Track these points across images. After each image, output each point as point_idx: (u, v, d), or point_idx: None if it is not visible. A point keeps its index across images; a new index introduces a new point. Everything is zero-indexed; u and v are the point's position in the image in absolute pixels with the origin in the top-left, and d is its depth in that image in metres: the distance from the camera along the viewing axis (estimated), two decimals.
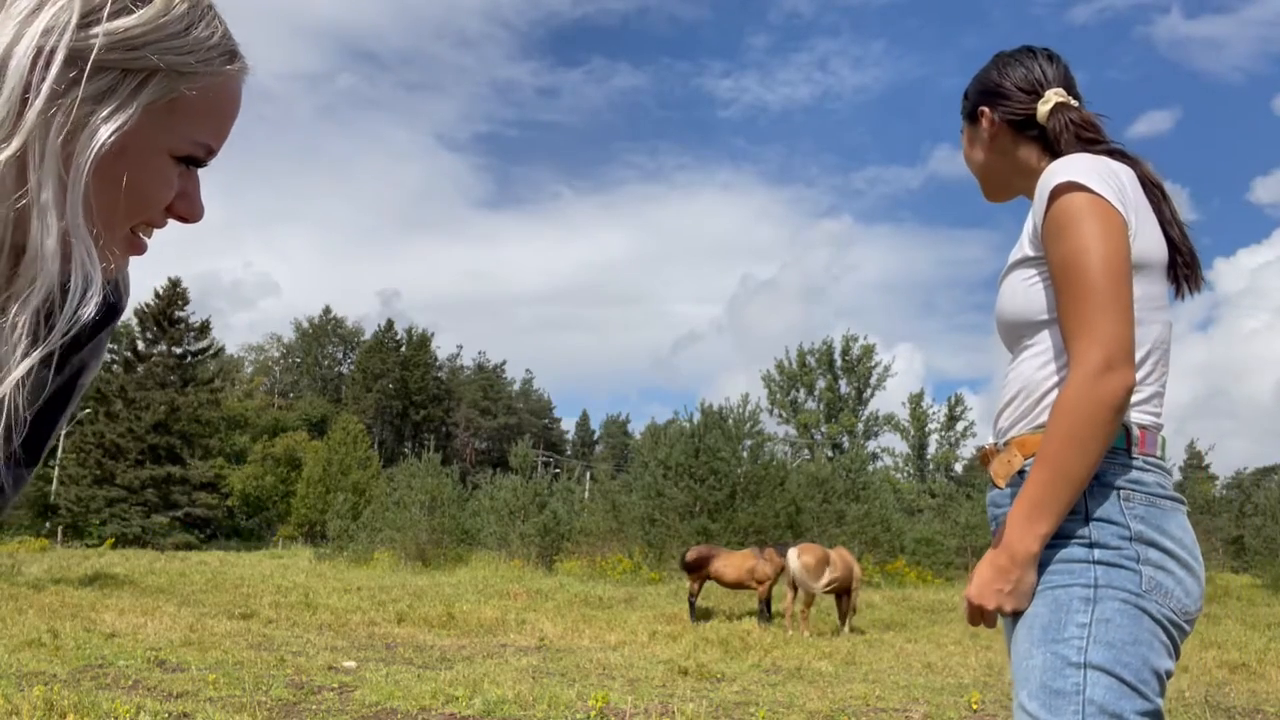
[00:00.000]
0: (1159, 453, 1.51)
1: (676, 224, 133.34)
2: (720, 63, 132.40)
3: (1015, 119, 1.70)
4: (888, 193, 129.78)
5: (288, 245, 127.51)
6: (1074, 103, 1.68)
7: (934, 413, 61.88)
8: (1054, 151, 1.64)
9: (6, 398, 0.67)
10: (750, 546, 14.96)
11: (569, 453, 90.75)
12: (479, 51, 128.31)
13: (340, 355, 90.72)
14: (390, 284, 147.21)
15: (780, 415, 59.46)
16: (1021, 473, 1.53)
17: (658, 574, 20.34)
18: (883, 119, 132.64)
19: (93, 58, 0.66)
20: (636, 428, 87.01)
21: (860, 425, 59.96)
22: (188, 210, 0.77)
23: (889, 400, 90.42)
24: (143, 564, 21.33)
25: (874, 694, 6.98)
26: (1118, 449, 1.46)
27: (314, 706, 5.82)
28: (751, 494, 24.38)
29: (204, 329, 45.63)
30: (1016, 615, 1.48)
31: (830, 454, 51.22)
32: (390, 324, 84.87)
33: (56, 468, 41.03)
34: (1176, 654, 1.45)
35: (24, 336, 0.67)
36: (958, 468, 59.39)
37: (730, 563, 13.19)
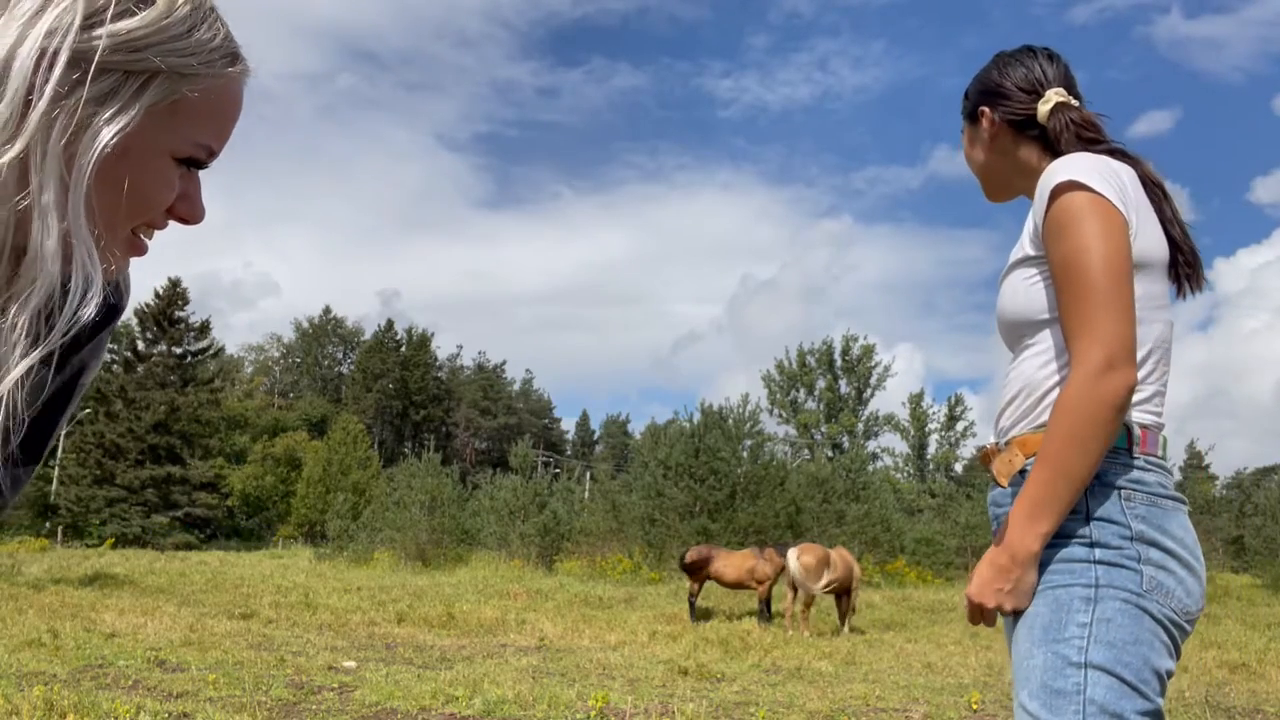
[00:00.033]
0: (1160, 452, 1.51)
1: (676, 224, 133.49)
2: (720, 63, 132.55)
3: (1016, 119, 1.70)
4: (888, 193, 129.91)
5: (288, 245, 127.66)
6: (1074, 102, 1.68)
7: (934, 413, 61.97)
8: (1055, 151, 1.64)
9: (5, 397, 0.67)
10: (750, 546, 14.97)
11: (569, 453, 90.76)
12: (479, 51, 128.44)
13: (340, 355, 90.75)
14: (390, 284, 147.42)
15: (780, 415, 59.48)
16: (1023, 472, 1.53)
17: (658, 574, 20.34)
18: (883, 119, 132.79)
19: (96, 60, 0.66)
20: (636, 428, 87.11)
21: (860, 425, 59.97)
22: (189, 212, 0.77)
23: (889, 400, 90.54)
24: (143, 564, 21.33)
25: (874, 694, 6.98)
26: (1119, 448, 1.46)
27: (314, 706, 5.82)
28: (751, 494, 24.38)
29: (204, 329, 45.65)
30: (1017, 614, 1.48)
31: (830, 454, 51.22)
32: (390, 324, 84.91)
33: (56, 468, 41.04)
34: (1177, 654, 1.45)
35: (24, 337, 0.67)
36: (958, 468, 59.41)
37: (730, 563, 13.19)
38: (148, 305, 44.05)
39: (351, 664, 7.69)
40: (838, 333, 66.21)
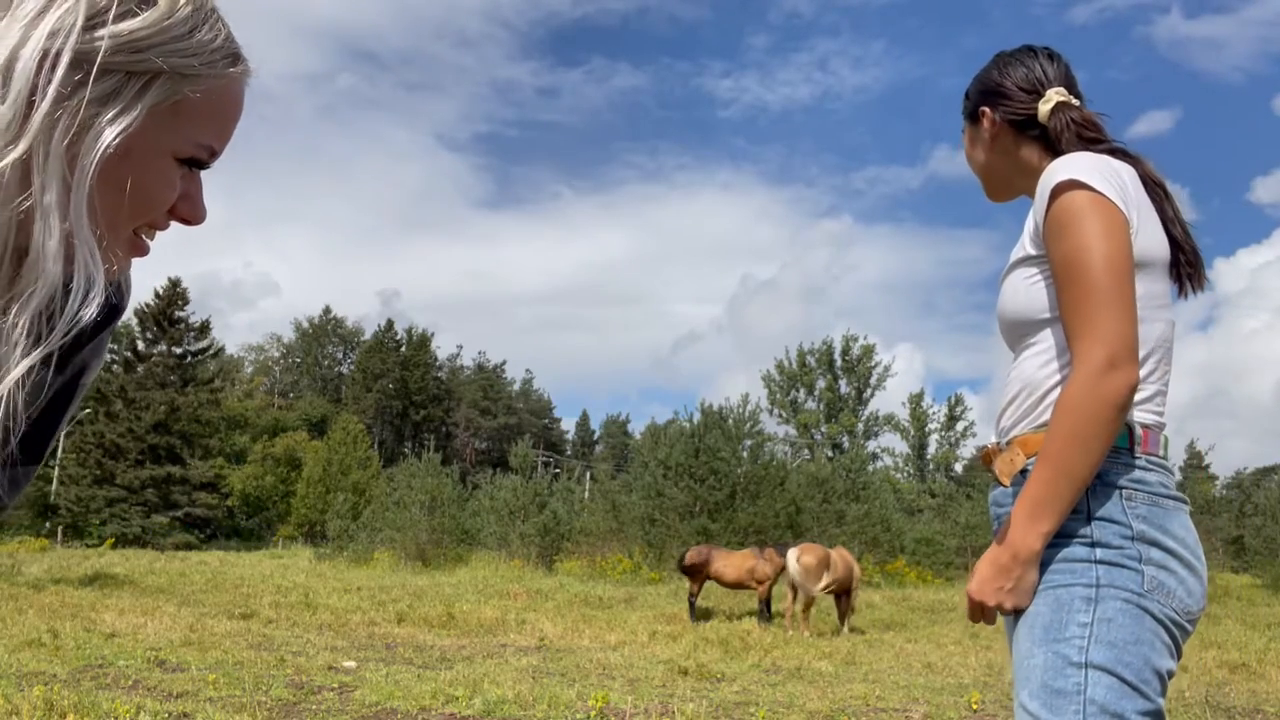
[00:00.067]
0: (1161, 452, 1.51)
1: (676, 224, 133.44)
2: (720, 63, 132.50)
3: (1016, 119, 1.70)
4: (888, 193, 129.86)
5: (288, 245, 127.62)
6: (1075, 102, 1.68)
7: (934, 413, 61.97)
8: (1055, 151, 1.64)
9: (6, 397, 0.67)
10: (750, 546, 14.97)
11: (569, 453, 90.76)
12: (479, 51, 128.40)
13: (340, 355, 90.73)
14: (390, 284, 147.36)
15: (780, 415, 59.49)
16: (1024, 472, 1.53)
17: (658, 574, 20.34)
18: (883, 119, 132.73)
19: (98, 61, 0.66)
20: (636, 428, 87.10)
21: (860, 425, 59.98)
22: (190, 212, 0.77)
23: (889, 400, 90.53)
24: (143, 564, 21.33)
25: (874, 694, 6.98)
26: (1120, 448, 1.46)
27: (314, 706, 5.82)
28: (751, 494, 24.38)
29: (204, 329, 45.63)
30: (1018, 613, 1.48)
31: (830, 454, 51.23)
32: (390, 324, 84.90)
33: (56, 468, 41.03)
34: (1178, 654, 1.45)
35: (25, 337, 0.67)
36: (958, 468, 59.42)
37: (730, 563, 13.19)
38: (148, 305, 44.04)
39: (351, 664, 7.69)
40: (838, 333, 66.31)
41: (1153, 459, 1.48)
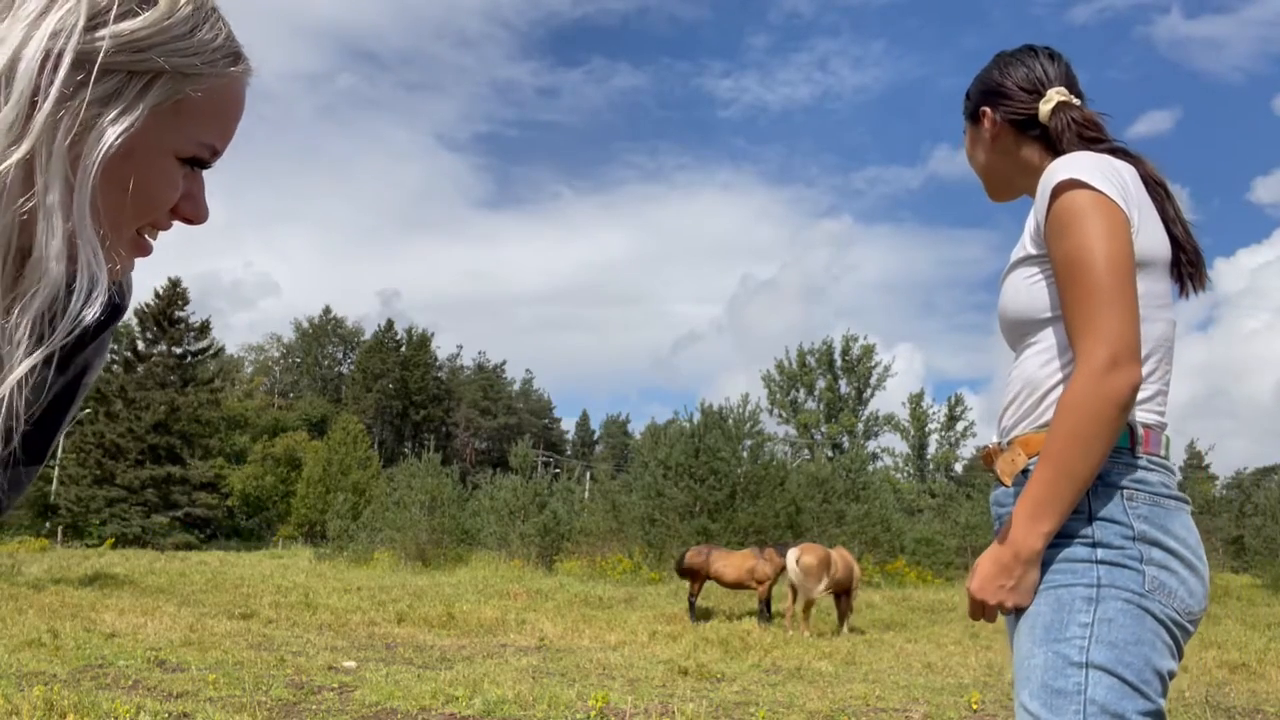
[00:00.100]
0: (1163, 452, 1.51)
1: (676, 224, 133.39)
2: (720, 63, 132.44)
3: (1017, 119, 1.70)
4: (888, 193, 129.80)
5: (288, 245, 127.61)
6: (1076, 101, 1.68)
7: (934, 413, 61.99)
8: (1056, 150, 1.64)
9: (7, 397, 0.67)
10: (750, 546, 14.97)
11: (569, 453, 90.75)
12: (479, 51, 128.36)
13: (340, 355, 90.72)
14: (390, 284, 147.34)
15: (780, 415, 59.50)
16: (1025, 472, 1.53)
17: (658, 574, 20.34)
18: (883, 119, 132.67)
19: (100, 60, 0.66)
20: (636, 428, 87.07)
21: (860, 425, 59.99)
22: (193, 212, 0.77)
23: (889, 400, 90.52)
24: (143, 564, 21.33)
25: (874, 694, 6.98)
26: (1121, 448, 1.46)
27: (314, 706, 5.82)
28: (751, 494, 24.39)
29: (204, 329, 45.63)
30: (1019, 612, 1.48)
31: (830, 454, 51.23)
32: (390, 324, 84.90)
33: (56, 468, 41.02)
34: (1180, 654, 1.45)
35: (27, 337, 0.67)
36: (958, 468, 59.43)
37: (730, 563, 13.19)
38: (148, 305, 44.03)
39: (351, 664, 7.69)
40: (838, 333, 66.30)
41: (1154, 459, 1.48)
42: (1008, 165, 1.74)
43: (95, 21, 0.66)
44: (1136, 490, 1.45)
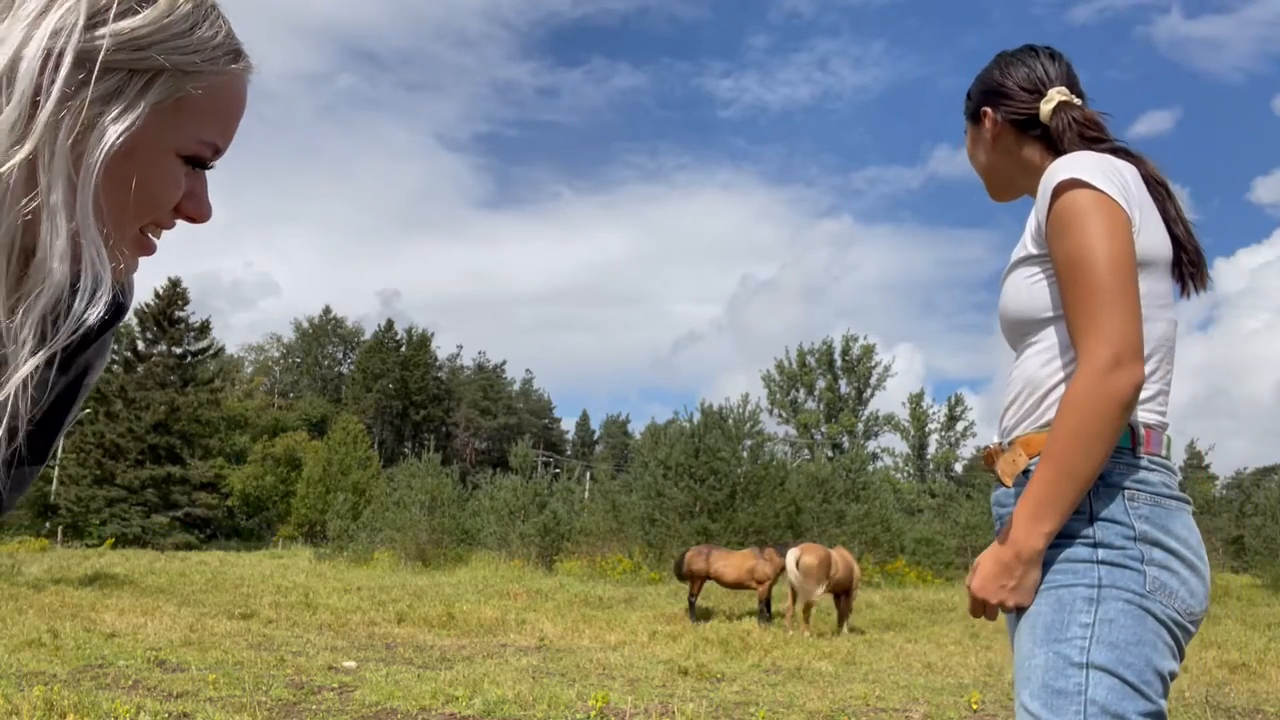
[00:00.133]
0: (1164, 452, 1.51)
1: (676, 224, 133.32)
2: (720, 63, 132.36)
3: (1018, 118, 1.70)
4: (888, 193, 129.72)
5: (288, 245, 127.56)
6: (1077, 101, 1.68)
7: (934, 413, 62.01)
8: (1057, 150, 1.64)
9: (11, 397, 0.67)
10: (750, 546, 14.97)
11: (569, 453, 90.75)
12: (479, 51, 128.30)
13: (340, 355, 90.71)
14: (390, 284, 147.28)
15: (780, 415, 59.51)
16: (1026, 472, 1.53)
17: (658, 574, 20.34)
18: (883, 119, 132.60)
19: (100, 59, 0.66)
20: (636, 428, 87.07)
21: (860, 425, 60.00)
22: (196, 210, 0.77)
23: (889, 400, 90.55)
24: (143, 564, 21.33)
25: (874, 694, 6.98)
26: (1123, 448, 1.46)
27: (314, 706, 5.82)
28: (751, 494, 24.39)
29: (204, 329, 45.62)
30: (1020, 610, 1.48)
31: (830, 454, 51.24)
32: (390, 324, 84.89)
33: (56, 468, 41.01)
34: (1181, 655, 1.45)
35: (31, 337, 0.67)
36: (958, 468, 59.46)
37: (730, 563, 13.19)
38: (148, 305, 44.02)
39: (351, 664, 7.69)
40: (838, 333, 66.33)
41: (1155, 459, 1.48)
42: (1009, 165, 1.74)
43: (95, 20, 0.66)
44: (1138, 490, 1.45)
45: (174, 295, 44.53)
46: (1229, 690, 7.73)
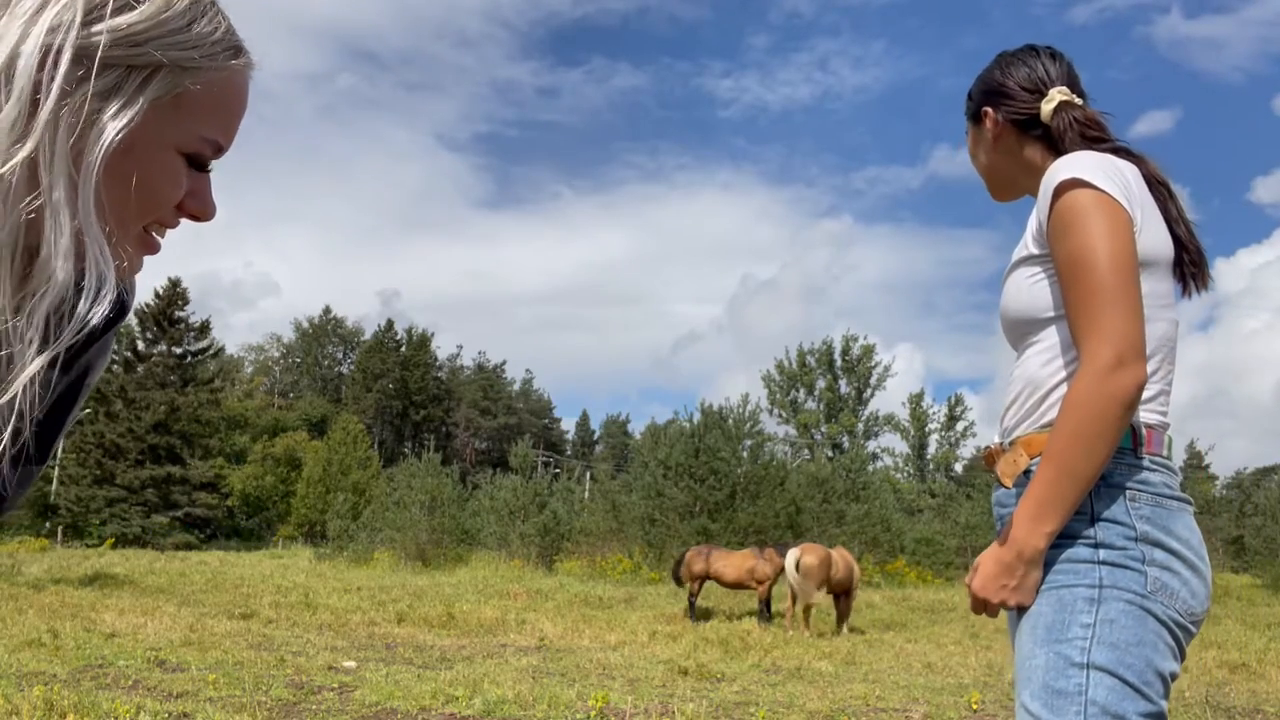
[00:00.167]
0: (1165, 452, 1.50)
1: (676, 224, 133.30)
2: (720, 63, 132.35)
3: (1019, 118, 1.70)
4: (888, 193, 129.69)
5: (288, 245, 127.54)
6: (1078, 101, 1.68)
7: (934, 413, 62.01)
8: (1059, 150, 1.63)
9: (17, 397, 0.66)
10: (750, 546, 14.97)
11: (569, 453, 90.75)
12: (479, 51, 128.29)
13: (340, 355, 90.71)
14: (390, 284, 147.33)
15: (780, 415, 59.50)
16: (1027, 472, 1.53)
17: (658, 574, 20.34)
18: (883, 119, 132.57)
19: (98, 55, 0.65)
20: (636, 428, 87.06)
21: (860, 425, 60.00)
22: (199, 208, 0.77)
23: (889, 400, 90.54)
24: (143, 564, 21.33)
25: (874, 694, 6.98)
26: (1124, 449, 1.46)
27: (314, 706, 5.82)
28: (751, 494, 24.39)
29: (204, 329, 45.62)
30: (1021, 610, 1.48)
31: (830, 454, 51.24)
32: (390, 324, 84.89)
33: (56, 468, 41.01)
34: (1182, 655, 1.45)
35: (36, 336, 0.67)
36: (958, 468, 59.45)
37: (730, 563, 13.19)
38: (148, 305, 44.01)
39: (351, 664, 7.69)
40: (838, 333, 66.31)
41: (1156, 459, 1.48)
42: (1010, 165, 1.74)
43: (92, 16, 0.65)
44: (1139, 491, 1.44)
45: (174, 295, 44.53)
46: (1229, 690, 7.72)
